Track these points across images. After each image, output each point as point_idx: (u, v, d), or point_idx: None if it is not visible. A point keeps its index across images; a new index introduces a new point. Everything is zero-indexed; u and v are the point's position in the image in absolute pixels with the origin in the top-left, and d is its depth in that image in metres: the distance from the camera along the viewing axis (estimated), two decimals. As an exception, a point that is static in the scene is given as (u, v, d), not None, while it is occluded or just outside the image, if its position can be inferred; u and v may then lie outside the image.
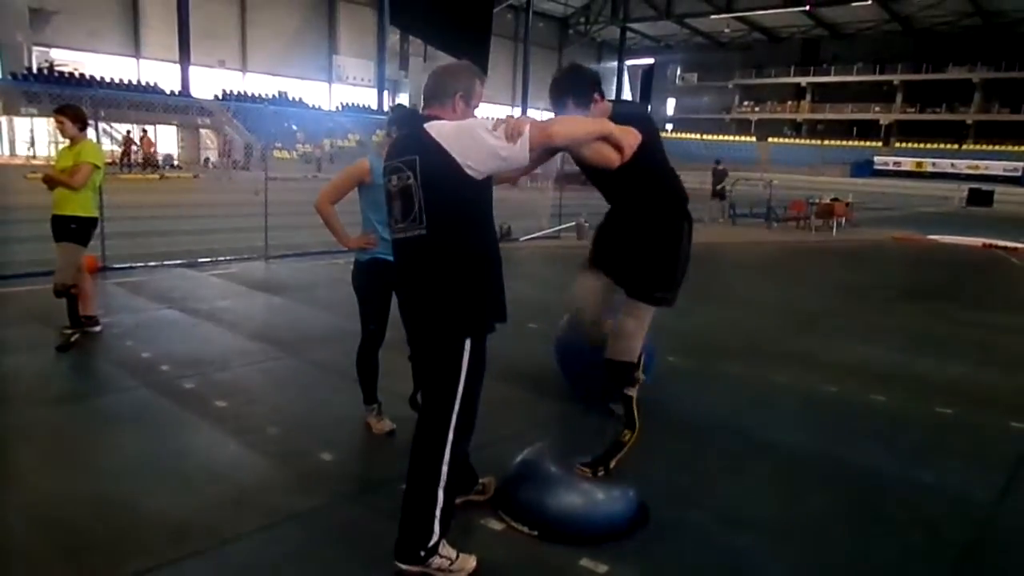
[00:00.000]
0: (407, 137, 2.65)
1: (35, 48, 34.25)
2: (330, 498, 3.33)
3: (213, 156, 37.46)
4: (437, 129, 2.52)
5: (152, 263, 8.95)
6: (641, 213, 3.30)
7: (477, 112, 2.75)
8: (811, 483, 3.73)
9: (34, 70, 33.09)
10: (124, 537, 2.94)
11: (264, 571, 2.80)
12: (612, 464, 3.31)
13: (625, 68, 61.21)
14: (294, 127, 39.31)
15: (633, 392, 3.41)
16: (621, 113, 3.02)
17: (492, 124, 2.47)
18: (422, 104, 2.75)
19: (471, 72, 2.72)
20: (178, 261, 9.16)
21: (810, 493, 3.62)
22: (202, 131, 38.02)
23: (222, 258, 9.62)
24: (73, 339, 5.48)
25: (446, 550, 2.69)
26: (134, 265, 8.77)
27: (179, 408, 4.36)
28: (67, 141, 5.59)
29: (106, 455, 3.77)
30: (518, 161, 2.50)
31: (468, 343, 2.62)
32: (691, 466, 3.84)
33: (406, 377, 3.97)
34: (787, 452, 4.08)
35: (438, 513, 2.64)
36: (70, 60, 36.11)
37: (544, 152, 2.90)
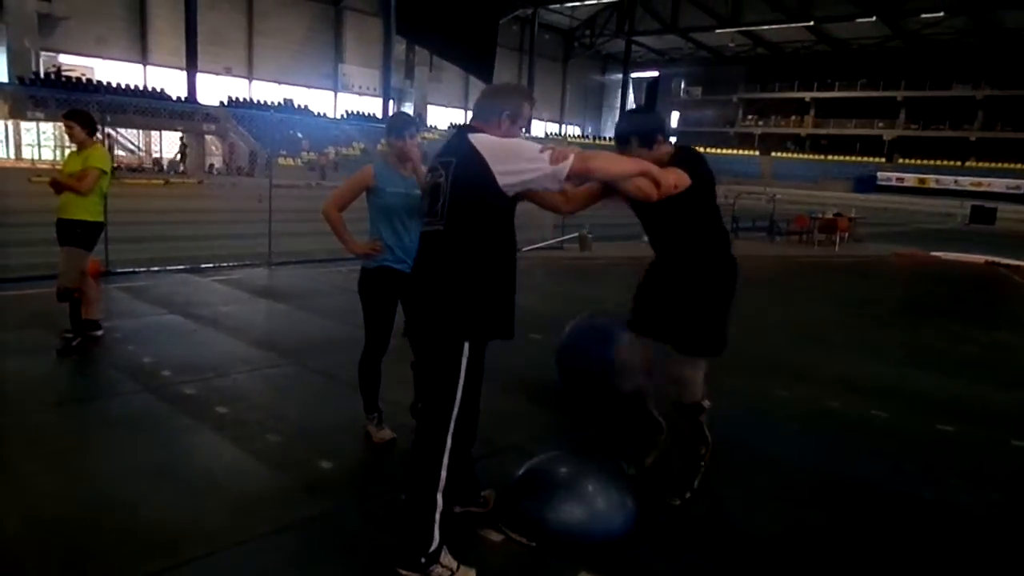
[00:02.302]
0: (452, 142, 2.73)
1: (43, 53, 34.41)
2: (329, 506, 3.32)
3: (218, 162, 37.57)
4: (480, 140, 2.63)
5: (155, 268, 8.97)
6: (694, 268, 3.38)
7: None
8: (811, 497, 3.72)
9: (41, 75, 33.21)
10: (122, 543, 2.93)
11: (262, 579, 2.79)
12: (696, 483, 3.52)
13: (630, 81, 61.43)
14: (299, 135, 39.45)
15: (704, 418, 3.57)
16: (679, 157, 3.19)
17: (539, 148, 2.59)
18: (471, 118, 2.83)
19: (521, 94, 2.81)
20: (181, 266, 9.18)
21: (810, 507, 3.60)
22: (207, 137, 38.14)
23: (225, 264, 9.64)
24: (74, 343, 5.49)
25: (447, 559, 2.68)
26: (137, 270, 8.79)
27: (179, 414, 4.35)
28: (74, 146, 5.62)
29: (105, 460, 3.76)
30: (550, 181, 2.60)
31: (467, 347, 2.64)
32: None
33: (407, 386, 3.98)
34: (787, 466, 4.07)
35: (438, 518, 2.65)
36: (78, 65, 36.31)
37: (590, 196, 3.07)
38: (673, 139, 3.61)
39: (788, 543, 3.24)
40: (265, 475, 3.62)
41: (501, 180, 2.55)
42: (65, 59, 36.12)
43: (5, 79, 31.74)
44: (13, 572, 2.74)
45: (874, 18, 49.02)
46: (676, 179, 2.91)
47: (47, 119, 29.70)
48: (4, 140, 32.78)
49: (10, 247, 9.30)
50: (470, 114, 2.89)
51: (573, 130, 63.72)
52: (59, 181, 5.43)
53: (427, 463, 2.66)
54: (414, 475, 2.70)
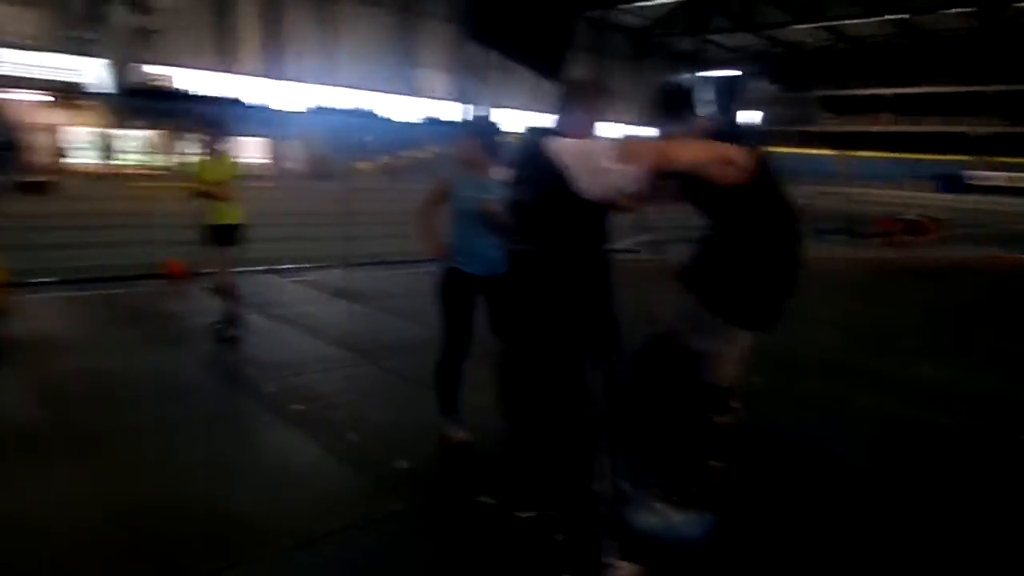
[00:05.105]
0: (528, 151, 2.63)
1: (137, 65, 36.00)
2: (407, 505, 3.37)
3: (298, 167, 38.59)
4: (556, 147, 2.51)
5: (237, 268, 9.24)
6: (750, 236, 3.01)
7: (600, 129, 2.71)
8: (883, 509, 3.58)
9: (137, 86, 34.69)
10: (204, 535, 3.04)
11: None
12: (695, 490, 3.19)
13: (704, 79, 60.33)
14: (375, 139, 40.17)
15: (722, 419, 3.25)
16: (718, 131, 2.92)
17: (612, 147, 2.44)
18: (550, 119, 2.73)
19: (601, 92, 2.71)
20: (260, 267, 9.43)
21: (879, 520, 3.48)
22: (287, 142, 39.26)
23: (303, 265, 9.90)
24: (230, 334, 6.02)
25: (617, 560, 2.71)
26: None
27: (261, 410, 4.51)
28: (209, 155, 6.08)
29: (186, 455, 3.87)
30: (630, 184, 2.46)
31: (590, 365, 2.60)
32: (753, 486, 3.75)
33: (483, 389, 4.01)
34: (862, 476, 3.93)
35: (602, 523, 2.67)
36: (170, 75, 37.81)
37: (667, 183, 2.88)
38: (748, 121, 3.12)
39: (846, 552, 3.15)
40: (343, 473, 3.72)
41: (585, 193, 2.45)
42: (157, 70, 37.66)
43: (106, 90, 33.21)
44: (93, 563, 2.85)
45: (962, 9, 46.64)
46: (737, 153, 2.64)
47: (145, 127, 31.00)
48: (102, 148, 34.29)
49: (115, 247, 9.70)
50: (542, 116, 2.80)
51: (647, 131, 62.95)
52: (213, 193, 5.87)
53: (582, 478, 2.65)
54: (571, 487, 2.71)
